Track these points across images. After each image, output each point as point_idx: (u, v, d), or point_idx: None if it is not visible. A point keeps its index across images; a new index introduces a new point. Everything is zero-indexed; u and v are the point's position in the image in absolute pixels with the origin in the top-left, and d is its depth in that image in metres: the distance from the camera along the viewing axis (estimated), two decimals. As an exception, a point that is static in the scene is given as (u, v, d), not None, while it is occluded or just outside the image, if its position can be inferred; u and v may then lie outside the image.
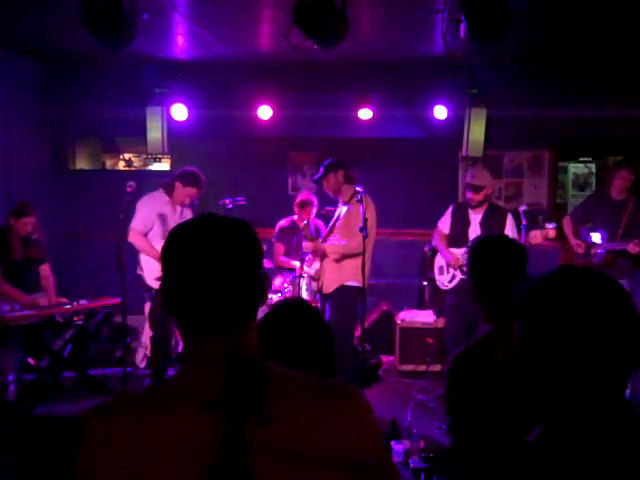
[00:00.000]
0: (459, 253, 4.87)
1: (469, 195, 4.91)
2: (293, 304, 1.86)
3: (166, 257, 1.16)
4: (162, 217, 4.96)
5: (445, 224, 5.10)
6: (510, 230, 4.80)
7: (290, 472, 1.04)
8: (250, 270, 1.15)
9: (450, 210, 5.11)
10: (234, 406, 1.05)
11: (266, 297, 1.22)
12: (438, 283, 5.12)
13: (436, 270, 5.15)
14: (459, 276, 4.88)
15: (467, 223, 4.94)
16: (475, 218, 4.93)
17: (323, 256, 4.87)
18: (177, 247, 1.15)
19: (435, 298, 6.17)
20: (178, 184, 5.02)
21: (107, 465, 1.06)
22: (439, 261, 5.14)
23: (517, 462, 1.03)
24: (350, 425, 1.10)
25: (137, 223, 4.93)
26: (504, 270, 2.16)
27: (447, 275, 5.01)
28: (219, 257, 1.11)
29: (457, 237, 4.97)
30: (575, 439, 1.02)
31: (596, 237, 5.10)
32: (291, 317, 1.77)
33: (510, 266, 2.18)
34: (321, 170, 4.90)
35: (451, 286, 4.97)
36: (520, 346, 1.10)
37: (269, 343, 1.56)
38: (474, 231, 4.87)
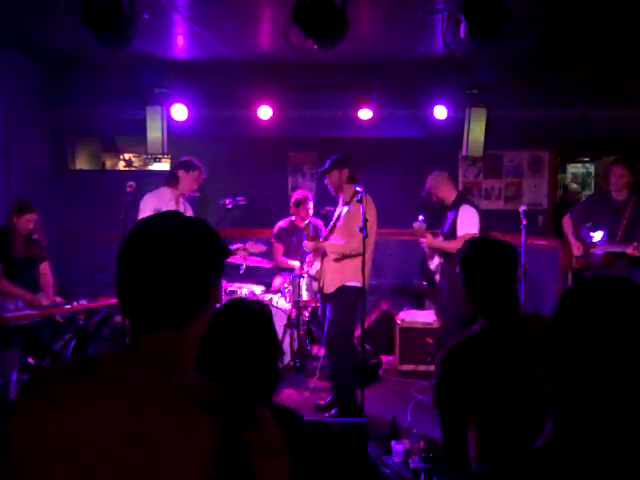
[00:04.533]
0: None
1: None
2: (236, 306, 1.83)
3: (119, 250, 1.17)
4: None
5: None
6: (460, 223, 4.84)
7: None
8: (187, 270, 1.12)
9: None
10: None
11: (202, 306, 1.16)
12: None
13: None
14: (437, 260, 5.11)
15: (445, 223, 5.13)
16: (449, 216, 5.02)
17: (323, 256, 4.86)
18: (127, 240, 1.16)
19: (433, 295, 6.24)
20: (182, 172, 5.01)
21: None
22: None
23: (532, 466, 1.01)
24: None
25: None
26: (492, 272, 2.15)
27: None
28: (156, 249, 1.11)
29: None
30: (593, 443, 1.00)
31: (597, 236, 5.09)
32: (232, 319, 1.77)
33: (498, 267, 2.16)
34: (327, 164, 4.85)
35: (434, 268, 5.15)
36: (550, 355, 1.07)
37: (209, 343, 1.55)
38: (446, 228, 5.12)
